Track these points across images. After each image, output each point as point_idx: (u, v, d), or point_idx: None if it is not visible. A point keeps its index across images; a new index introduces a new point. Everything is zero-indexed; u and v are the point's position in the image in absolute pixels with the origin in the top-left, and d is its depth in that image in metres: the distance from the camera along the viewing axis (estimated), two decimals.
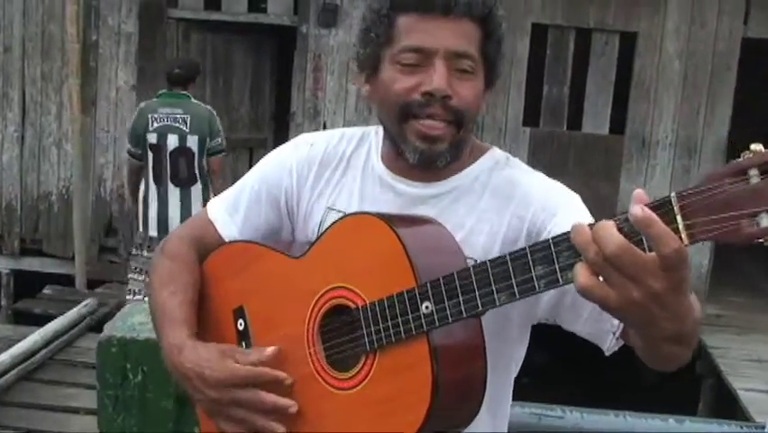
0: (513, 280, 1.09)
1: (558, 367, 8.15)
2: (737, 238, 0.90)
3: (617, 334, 1.28)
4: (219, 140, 5.37)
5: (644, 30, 7.22)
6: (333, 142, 1.54)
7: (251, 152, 8.10)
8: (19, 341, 5.32)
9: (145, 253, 5.24)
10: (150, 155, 5.29)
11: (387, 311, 1.23)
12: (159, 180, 5.29)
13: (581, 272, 0.97)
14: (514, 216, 1.40)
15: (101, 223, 7.85)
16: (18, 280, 7.92)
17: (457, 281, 1.16)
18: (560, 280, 1.04)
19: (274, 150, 1.59)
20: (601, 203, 7.33)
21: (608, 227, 0.95)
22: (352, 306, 1.29)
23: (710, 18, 7.14)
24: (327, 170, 1.51)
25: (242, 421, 1.32)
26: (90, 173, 7.71)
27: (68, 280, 7.52)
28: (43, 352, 5.33)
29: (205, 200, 5.10)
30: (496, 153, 1.49)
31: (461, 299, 1.15)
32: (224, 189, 1.58)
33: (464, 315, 1.16)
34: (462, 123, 1.36)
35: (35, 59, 7.73)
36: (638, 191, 0.95)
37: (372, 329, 1.25)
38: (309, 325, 1.35)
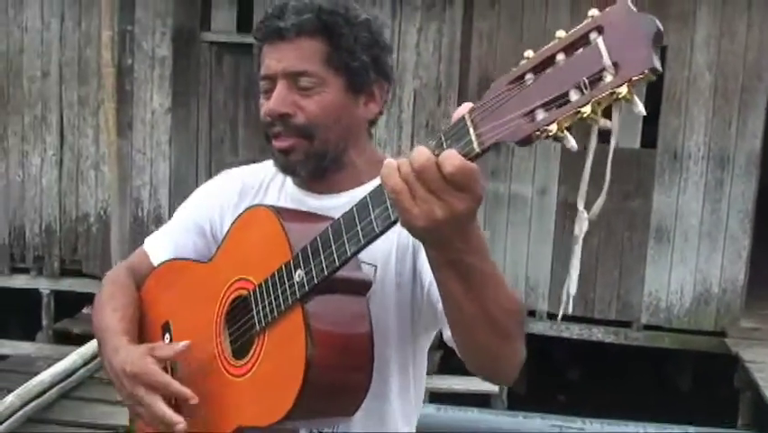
0: (358, 226, 1.15)
1: (592, 381, 8.12)
2: (520, 135, 0.99)
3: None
4: None
5: (673, 43, 7.21)
6: (253, 174, 1.63)
7: None
8: (59, 360, 5.42)
9: None
10: None
11: (270, 288, 1.30)
12: None
13: (394, 179, 1.04)
14: None
15: (138, 243, 7.92)
16: (58, 301, 8.07)
17: (319, 242, 1.22)
18: (391, 215, 1.10)
19: (204, 183, 1.71)
20: (634, 217, 7.32)
21: (421, 147, 1.04)
22: (246, 293, 1.36)
23: (740, 29, 7.11)
24: (248, 198, 1.58)
25: (147, 421, 1.38)
26: (127, 195, 7.84)
27: None
28: (82, 371, 5.41)
29: None
30: None
31: (321, 256, 1.21)
32: None
33: (326, 272, 1.21)
34: (312, 135, 1.43)
35: (72, 83, 7.91)
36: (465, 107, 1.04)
37: (260, 308, 1.32)
38: (216, 321, 1.42)
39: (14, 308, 8.26)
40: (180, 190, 7.87)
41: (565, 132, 0.98)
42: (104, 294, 1.59)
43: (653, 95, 7.34)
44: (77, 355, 5.49)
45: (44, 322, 8.00)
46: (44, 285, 8.12)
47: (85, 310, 7.48)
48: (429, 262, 1.16)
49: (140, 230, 7.98)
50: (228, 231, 1.47)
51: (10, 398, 4.68)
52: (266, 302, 1.30)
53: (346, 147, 1.48)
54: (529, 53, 1.01)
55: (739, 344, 6.96)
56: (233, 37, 7.83)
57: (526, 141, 0.99)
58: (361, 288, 1.32)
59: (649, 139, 7.41)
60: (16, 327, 8.08)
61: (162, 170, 7.94)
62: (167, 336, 1.53)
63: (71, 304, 7.73)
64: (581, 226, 1.09)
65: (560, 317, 1.31)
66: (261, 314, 1.31)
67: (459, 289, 1.13)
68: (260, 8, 7.74)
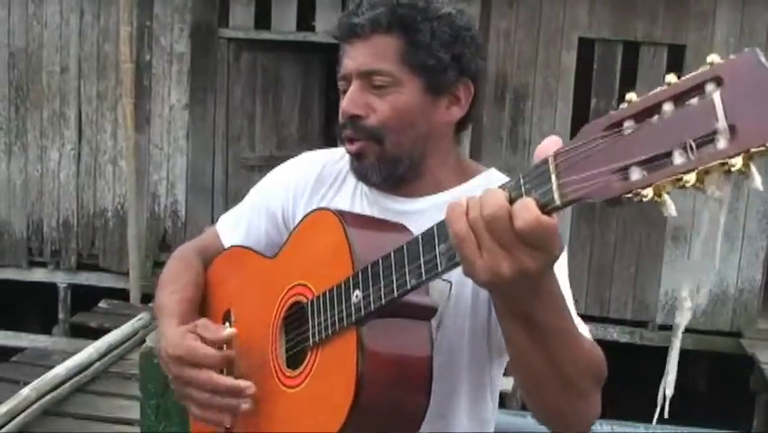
0: (421, 259, 1.05)
1: (607, 381, 8.08)
2: (608, 194, 0.84)
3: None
4: None
5: (692, 42, 7.17)
6: (333, 160, 1.54)
7: None
8: (75, 354, 5.46)
9: None
10: None
11: (327, 303, 1.22)
12: None
13: (460, 224, 0.94)
14: None
15: (155, 238, 8.01)
16: (75, 295, 8.12)
17: (380, 266, 1.13)
18: (456, 256, 0.99)
19: (278, 166, 1.63)
20: (651, 217, 7.28)
21: (494, 190, 0.93)
22: (305, 301, 1.29)
23: (760, 29, 7.06)
24: (323, 187, 1.51)
25: (201, 404, 1.31)
26: (144, 190, 7.88)
27: (123, 295, 7.67)
28: (97, 364, 5.45)
29: None
30: (492, 176, 1.42)
31: (381, 283, 1.12)
32: None
33: (383, 301, 1.12)
34: (383, 138, 1.34)
35: (91, 78, 7.94)
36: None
37: (316, 322, 1.24)
38: (273, 324, 1.36)
39: (32, 301, 8.33)
40: (197, 186, 7.90)
41: (664, 196, 0.81)
42: (167, 272, 1.55)
43: None
44: (92, 349, 5.53)
45: (61, 316, 8.05)
46: (61, 279, 8.17)
47: (101, 304, 7.52)
48: (494, 308, 1.07)
49: (156, 225, 8.03)
50: (295, 229, 1.39)
51: (26, 390, 4.72)
52: (322, 318, 1.22)
53: (424, 154, 1.38)
54: (632, 96, 0.85)
55: (755, 345, 6.92)
56: (251, 33, 7.84)
57: (615, 202, 0.84)
58: (424, 313, 1.22)
59: None
60: (33, 321, 8.14)
61: (179, 166, 7.97)
62: (227, 324, 1.48)
63: (88, 298, 7.77)
64: (684, 316, 0.91)
65: (655, 419, 1.05)
66: (317, 329, 1.23)
67: (525, 341, 1.03)
68: (277, 4, 7.77)
